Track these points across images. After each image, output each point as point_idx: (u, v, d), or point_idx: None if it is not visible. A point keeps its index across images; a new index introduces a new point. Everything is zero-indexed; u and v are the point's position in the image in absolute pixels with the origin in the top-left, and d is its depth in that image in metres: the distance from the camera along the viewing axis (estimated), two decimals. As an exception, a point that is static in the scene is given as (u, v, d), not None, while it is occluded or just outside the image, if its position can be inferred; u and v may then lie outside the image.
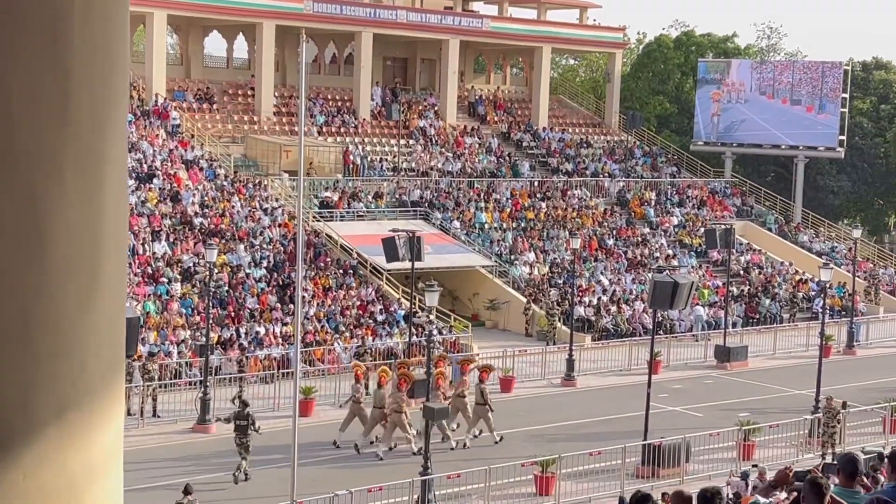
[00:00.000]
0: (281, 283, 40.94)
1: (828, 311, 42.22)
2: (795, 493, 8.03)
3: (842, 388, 34.92)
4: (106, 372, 3.03)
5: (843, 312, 48.66)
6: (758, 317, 48.51)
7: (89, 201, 2.94)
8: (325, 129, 54.74)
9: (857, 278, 48.67)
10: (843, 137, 63.83)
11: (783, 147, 65.09)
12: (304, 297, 37.86)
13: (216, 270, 37.20)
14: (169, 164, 46.43)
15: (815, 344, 38.49)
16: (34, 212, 2.85)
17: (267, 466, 26.97)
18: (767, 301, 49.49)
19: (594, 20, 68.66)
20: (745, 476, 22.03)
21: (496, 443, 29.40)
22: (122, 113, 3.09)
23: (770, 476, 16.04)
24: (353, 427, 29.19)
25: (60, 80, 2.89)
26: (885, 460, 13.49)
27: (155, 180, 44.80)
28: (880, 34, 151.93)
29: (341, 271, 43.05)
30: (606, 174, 59.55)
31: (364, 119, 56.59)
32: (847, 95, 64.42)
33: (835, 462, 12.91)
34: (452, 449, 28.93)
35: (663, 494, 15.39)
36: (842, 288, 51.20)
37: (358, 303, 41.08)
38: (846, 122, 64.44)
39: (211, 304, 34.34)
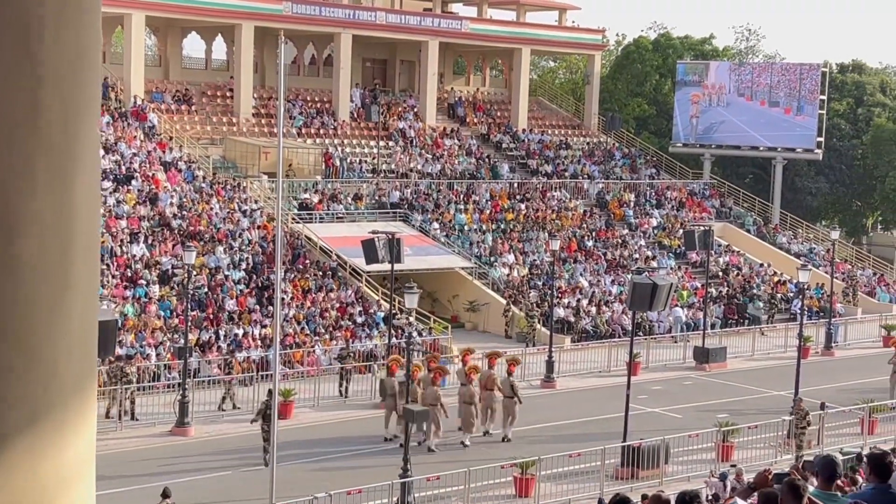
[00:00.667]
0: (260, 285, 40.83)
1: (806, 313, 42.39)
2: (758, 496, 8.04)
3: (820, 389, 35.12)
4: (78, 377, 2.99)
5: (822, 313, 48.88)
6: (737, 318, 48.67)
7: (61, 205, 2.91)
8: (304, 131, 54.65)
9: (835, 279, 48.90)
10: (821, 139, 64.14)
11: (761, 149, 65.35)
12: (283, 299, 37.77)
13: (195, 272, 37.07)
14: (147, 165, 46.25)
15: (794, 345, 38.67)
16: (5, 215, 2.82)
17: (246, 468, 26.91)
18: (760, 304, 49.62)
19: (573, 22, 68.86)
20: (723, 477, 22.11)
21: (504, 440, 29.85)
22: (95, 118, 3.06)
23: (748, 478, 16.09)
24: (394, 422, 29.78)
25: (32, 86, 2.86)
26: (864, 461, 13.56)
27: (133, 182, 44.62)
28: (859, 36, 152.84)
29: (321, 273, 42.97)
30: (586, 176, 59.67)
31: (343, 120, 56.53)
32: (825, 97, 64.73)
33: (812, 461, 12.94)
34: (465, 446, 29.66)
35: (643, 497, 15.42)
36: (820, 289, 51.43)
37: (337, 305, 41.02)
38: (824, 123, 64.75)
39: (189, 307, 34.22)
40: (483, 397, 30.47)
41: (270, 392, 27.93)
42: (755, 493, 8.47)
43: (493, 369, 31.48)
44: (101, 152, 44.53)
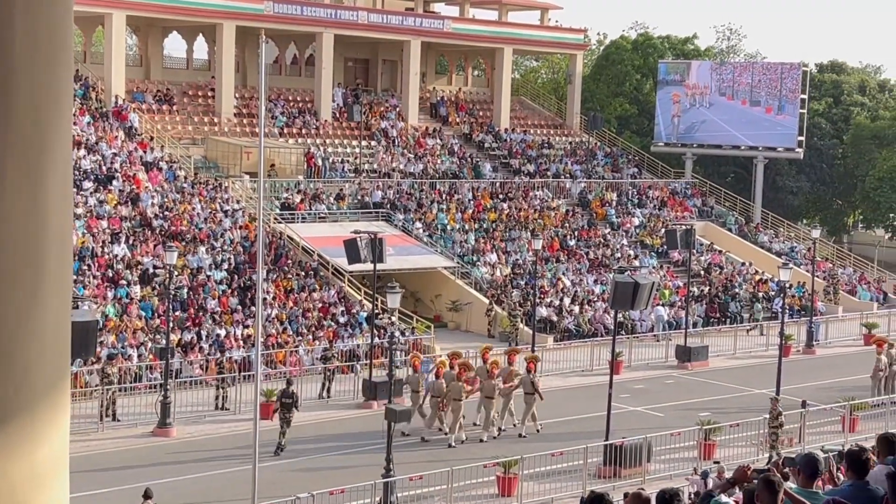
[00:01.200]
0: (242, 285, 40.74)
1: (787, 311, 42.50)
2: (744, 494, 8.07)
3: (801, 388, 35.23)
4: (50, 377, 2.97)
5: (803, 312, 49.05)
6: (718, 316, 48.78)
7: (32, 203, 2.89)
8: (286, 131, 54.55)
9: (816, 278, 49.05)
10: (802, 138, 64.35)
11: (743, 148, 65.53)
12: (265, 299, 37.68)
13: (176, 273, 36.96)
14: (128, 165, 46.10)
15: (775, 343, 38.78)
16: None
17: (228, 469, 26.85)
18: (760, 306, 49.67)
19: (555, 21, 68.86)
20: (705, 475, 22.14)
21: (520, 436, 30.40)
22: (67, 115, 3.04)
23: (729, 475, 16.12)
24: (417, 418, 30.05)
25: (3, 82, 2.85)
26: (843, 459, 13.59)
27: (114, 182, 44.46)
28: (840, 36, 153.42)
29: (303, 273, 42.90)
30: (568, 175, 59.73)
31: (325, 120, 56.45)
32: (805, 96, 64.94)
33: (794, 458, 12.98)
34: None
35: (625, 495, 15.44)
36: (801, 288, 51.60)
37: (320, 305, 40.96)
38: (805, 122, 64.97)
39: (171, 307, 34.10)
40: (502, 393, 30.98)
41: (289, 381, 29.43)
42: (735, 488, 8.50)
43: (513, 366, 31.89)
44: (83, 153, 44.48)
